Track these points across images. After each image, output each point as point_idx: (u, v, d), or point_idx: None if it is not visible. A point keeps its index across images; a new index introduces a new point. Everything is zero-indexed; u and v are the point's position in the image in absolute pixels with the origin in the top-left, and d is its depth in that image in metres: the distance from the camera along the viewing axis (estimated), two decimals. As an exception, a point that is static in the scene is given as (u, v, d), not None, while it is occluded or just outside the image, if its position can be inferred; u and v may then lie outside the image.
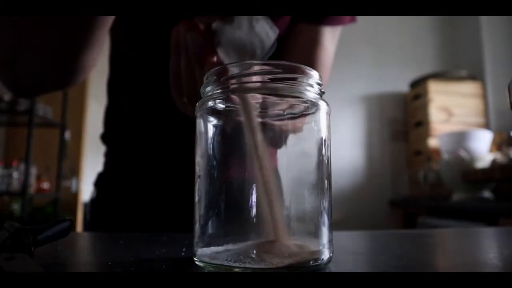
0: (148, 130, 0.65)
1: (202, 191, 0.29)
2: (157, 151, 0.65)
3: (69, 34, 0.44)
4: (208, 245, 0.28)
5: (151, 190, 0.64)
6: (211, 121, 0.29)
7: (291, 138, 0.29)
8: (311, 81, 0.29)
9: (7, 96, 2.49)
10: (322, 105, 0.29)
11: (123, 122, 0.67)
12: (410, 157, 2.72)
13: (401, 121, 2.85)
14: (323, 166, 0.29)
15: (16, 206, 2.79)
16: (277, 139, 0.28)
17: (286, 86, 0.28)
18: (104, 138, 0.70)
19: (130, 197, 0.65)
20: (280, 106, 0.29)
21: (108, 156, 0.70)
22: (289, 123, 0.28)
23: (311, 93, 0.29)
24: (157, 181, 0.64)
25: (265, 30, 0.36)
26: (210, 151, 0.29)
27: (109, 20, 0.45)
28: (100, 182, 0.70)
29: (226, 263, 0.26)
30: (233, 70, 0.29)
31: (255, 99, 0.28)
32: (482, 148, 2.11)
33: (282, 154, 0.28)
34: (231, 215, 0.28)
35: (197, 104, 0.30)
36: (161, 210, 0.63)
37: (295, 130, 0.28)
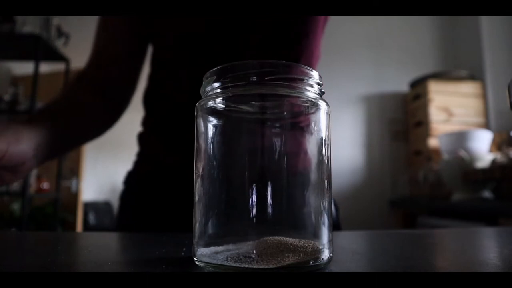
0: (184, 137, 0.66)
1: (202, 191, 0.29)
2: (190, 157, 0.65)
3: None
4: (208, 245, 0.28)
5: (179, 192, 0.65)
6: (211, 121, 0.29)
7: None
8: (311, 81, 0.29)
9: (7, 96, 2.49)
10: (322, 105, 0.29)
11: (161, 129, 0.68)
12: (410, 157, 2.72)
13: (401, 121, 2.85)
14: (323, 166, 0.29)
15: (16, 206, 2.79)
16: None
17: (286, 86, 0.28)
18: (141, 138, 0.71)
19: (158, 197, 0.66)
20: (280, 106, 0.28)
21: (140, 156, 0.71)
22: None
23: (311, 93, 0.29)
24: (186, 185, 0.65)
25: None
26: (210, 151, 0.29)
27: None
28: (129, 180, 0.71)
29: (226, 263, 0.25)
30: (234, 70, 0.28)
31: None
32: (482, 148, 2.11)
33: (282, 154, 0.28)
34: (231, 215, 0.28)
35: (197, 104, 0.31)
36: (186, 210, 0.64)
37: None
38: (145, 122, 0.71)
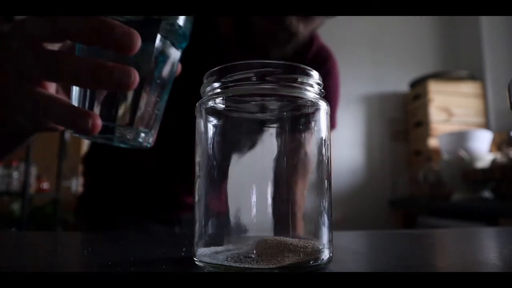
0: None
1: (202, 191, 0.29)
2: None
3: None
4: (208, 245, 0.28)
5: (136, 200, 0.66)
6: (211, 121, 0.29)
7: (291, 138, 0.29)
8: (311, 81, 0.29)
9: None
10: (322, 105, 0.29)
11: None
12: (410, 157, 2.72)
13: (401, 121, 2.85)
14: (323, 166, 0.29)
15: (16, 206, 2.79)
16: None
17: (286, 86, 0.28)
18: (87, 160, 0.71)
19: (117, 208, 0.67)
20: (280, 106, 0.28)
21: (90, 176, 0.71)
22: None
23: (311, 93, 0.29)
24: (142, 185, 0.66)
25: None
26: (210, 151, 0.29)
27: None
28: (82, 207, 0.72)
29: (226, 263, 0.25)
30: (233, 70, 0.28)
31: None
32: (482, 148, 2.10)
33: (282, 154, 0.28)
34: (231, 215, 0.28)
35: (197, 104, 0.30)
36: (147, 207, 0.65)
37: None
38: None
